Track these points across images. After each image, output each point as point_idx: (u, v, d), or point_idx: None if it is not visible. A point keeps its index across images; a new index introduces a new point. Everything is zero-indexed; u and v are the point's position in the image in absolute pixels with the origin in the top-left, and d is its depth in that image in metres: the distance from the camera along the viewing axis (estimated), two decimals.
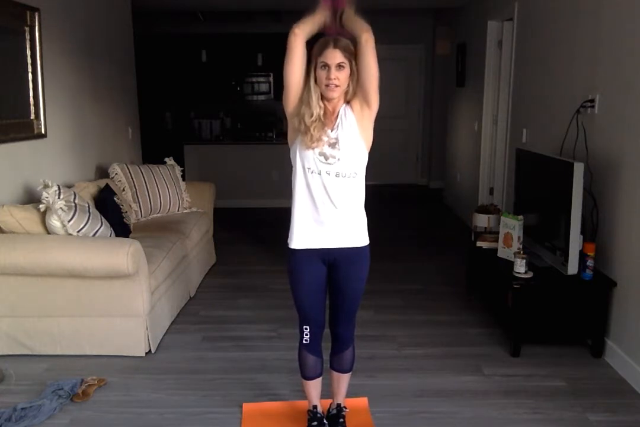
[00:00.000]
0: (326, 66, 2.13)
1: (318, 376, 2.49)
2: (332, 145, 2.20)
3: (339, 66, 2.12)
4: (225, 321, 3.78)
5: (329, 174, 2.19)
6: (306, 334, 2.38)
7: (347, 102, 2.23)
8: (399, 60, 8.68)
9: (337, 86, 2.14)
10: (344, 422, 2.52)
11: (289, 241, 2.32)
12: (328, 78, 2.13)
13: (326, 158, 2.19)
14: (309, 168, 2.20)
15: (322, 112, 2.18)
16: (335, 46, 2.12)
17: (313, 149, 2.18)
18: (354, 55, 2.14)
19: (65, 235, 3.23)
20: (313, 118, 2.16)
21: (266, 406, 2.76)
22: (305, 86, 2.19)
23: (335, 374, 2.51)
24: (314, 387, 2.51)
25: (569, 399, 2.79)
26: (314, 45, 2.17)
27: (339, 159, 2.19)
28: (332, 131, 2.21)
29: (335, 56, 2.12)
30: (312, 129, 2.16)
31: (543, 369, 3.09)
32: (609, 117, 3.23)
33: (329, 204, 2.22)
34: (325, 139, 2.19)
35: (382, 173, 8.59)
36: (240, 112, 8.71)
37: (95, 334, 3.21)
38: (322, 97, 2.19)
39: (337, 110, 2.23)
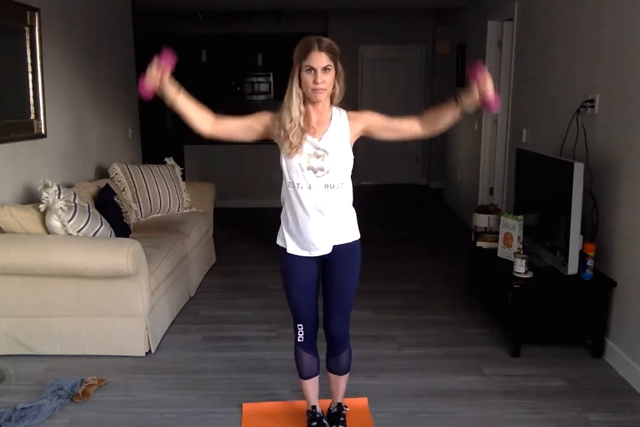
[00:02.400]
0: (312, 70, 2.07)
1: (315, 375, 2.49)
2: (321, 157, 2.16)
3: (325, 69, 2.07)
4: (225, 321, 3.78)
5: (317, 186, 2.18)
6: (300, 333, 2.39)
7: (351, 117, 2.20)
8: (399, 60, 8.69)
9: (324, 89, 2.10)
10: (345, 420, 2.53)
11: (280, 242, 2.33)
12: (315, 82, 2.07)
13: (314, 172, 2.17)
14: (298, 184, 2.19)
15: (302, 118, 2.13)
16: (320, 49, 2.06)
17: (292, 157, 2.15)
18: (337, 54, 2.10)
19: (65, 235, 3.23)
20: (292, 123, 2.12)
21: (266, 406, 2.76)
22: (287, 89, 2.14)
23: (332, 376, 2.50)
24: (312, 386, 2.51)
25: (569, 399, 2.79)
26: (296, 48, 2.11)
27: (327, 171, 2.17)
28: (320, 140, 2.16)
29: (321, 59, 2.06)
30: (291, 136, 2.12)
31: (543, 369, 3.09)
32: (609, 117, 3.23)
33: (318, 214, 2.22)
34: (312, 150, 2.15)
35: (382, 173, 8.61)
36: (240, 112, 8.65)
37: (95, 334, 3.21)
38: (305, 101, 2.14)
39: (326, 114, 2.19)
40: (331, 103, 2.19)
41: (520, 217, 3.51)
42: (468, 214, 5.36)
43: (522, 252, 3.33)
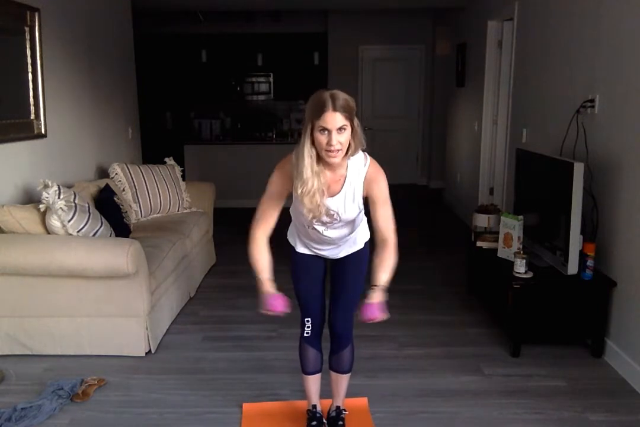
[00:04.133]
0: (326, 130, 1.94)
1: (318, 371, 2.49)
2: (331, 216, 2.13)
3: (340, 129, 1.94)
4: (225, 321, 3.78)
5: (326, 229, 2.21)
6: (308, 327, 2.39)
7: (368, 178, 2.11)
8: (399, 60, 8.69)
9: (338, 150, 1.97)
10: (344, 424, 2.52)
11: (290, 239, 2.39)
12: (329, 144, 1.94)
13: (323, 224, 2.18)
14: (307, 226, 2.21)
15: (317, 180, 2.01)
16: (335, 109, 1.91)
17: (311, 217, 2.10)
18: (353, 112, 1.97)
19: (65, 235, 3.23)
20: (306, 187, 2.00)
21: (266, 406, 2.75)
22: (300, 146, 2.01)
23: (334, 375, 2.50)
24: (314, 383, 2.51)
25: (569, 399, 2.79)
26: (308, 103, 1.98)
27: (337, 222, 2.18)
28: (331, 201, 2.09)
29: (335, 120, 1.92)
30: (307, 200, 2.02)
31: (543, 369, 3.09)
32: (609, 117, 3.23)
33: (329, 244, 2.27)
34: (323, 209, 2.10)
35: None
36: (240, 112, 8.71)
37: (95, 334, 3.21)
38: (319, 159, 2.02)
39: (339, 171, 2.09)
40: (347, 153, 2.03)
41: (520, 217, 3.51)
42: (468, 214, 5.36)
43: (522, 252, 3.33)
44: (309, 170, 2.00)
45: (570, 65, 3.72)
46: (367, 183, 2.12)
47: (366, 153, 2.15)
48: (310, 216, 2.07)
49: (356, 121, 2.00)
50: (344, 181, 2.10)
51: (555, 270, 3.30)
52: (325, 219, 2.14)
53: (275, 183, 2.16)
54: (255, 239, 2.23)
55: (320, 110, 1.92)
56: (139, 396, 2.85)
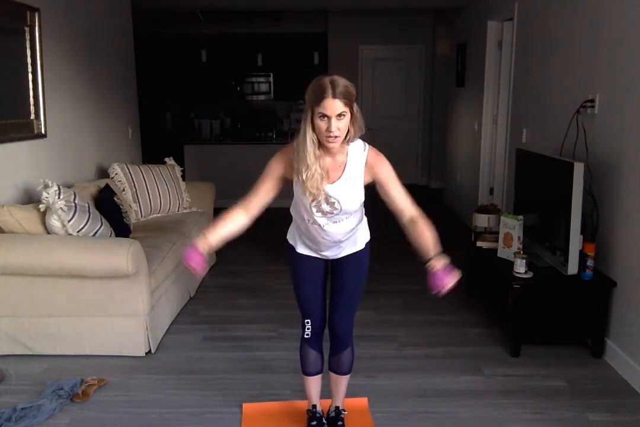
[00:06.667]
0: (325, 117, 1.95)
1: (318, 373, 2.49)
2: (331, 204, 2.13)
3: (340, 115, 1.96)
4: (225, 321, 3.78)
5: (328, 224, 2.19)
6: (308, 328, 2.39)
7: (369, 163, 2.11)
8: (399, 60, 8.69)
9: (337, 137, 1.99)
10: (343, 425, 2.52)
11: (290, 239, 2.36)
12: (328, 130, 1.96)
13: (324, 214, 2.16)
14: (308, 220, 2.20)
15: (318, 165, 2.03)
16: (335, 95, 1.92)
17: (311, 200, 2.10)
18: (353, 97, 1.98)
19: (65, 235, 3.23)
20: (309, 172, 2.02)
21: (266, 406, 2.75)
22: (301, 133, 2.03)
23: (334, 375, 2.50)
24: (314, 384, 2.52)
25: (569, 399, 2.79)
26: (308, 89, 1.98)
27: (337, 214, 2.16)
28: (331, 188, 2.09)
29: (335, 106, 1.93)
30: (309, 185, 2.04)
31: (543, 369, 3.09)
32: (609, 117, 3.22)
33: (330, 241, 2.25)
34: (323, 196, 2.10)
35: None
36: (240, 112, 8.71)
37: (95, 334, 3.21)
38: (319, 144, 2.04)
39: (339, 157, 2.10)
40: (345, 138, 2.04)
41: (520, 217, 3.51)
42: (468, 214, 5.36)
43: (522, 252, 3.33)
44: (312, 155, 2.02)
45: (570, 65, 3.72)
46: (369, 168, 2.12)
47: (365, 142, 2.16)
48: (311, 198, 2.08)
49: (355, 107, 2.01)
50: (344, 168, 2.11)
51: (555, 270, 3.30)
52: (325, 208, 2.13)
53: (273, 166, 2.15)
54: (231, 210, 2.17)
55: (320, 97, 1.93)
56: (139, 396, 2.85)
